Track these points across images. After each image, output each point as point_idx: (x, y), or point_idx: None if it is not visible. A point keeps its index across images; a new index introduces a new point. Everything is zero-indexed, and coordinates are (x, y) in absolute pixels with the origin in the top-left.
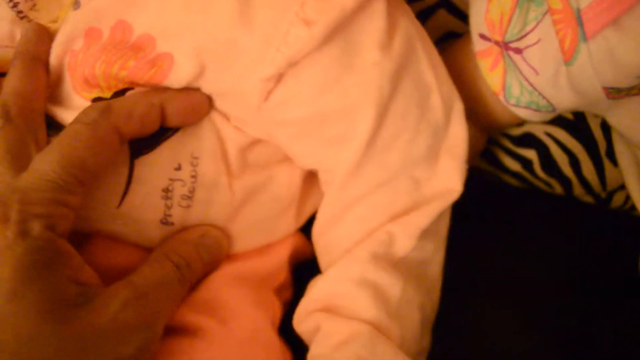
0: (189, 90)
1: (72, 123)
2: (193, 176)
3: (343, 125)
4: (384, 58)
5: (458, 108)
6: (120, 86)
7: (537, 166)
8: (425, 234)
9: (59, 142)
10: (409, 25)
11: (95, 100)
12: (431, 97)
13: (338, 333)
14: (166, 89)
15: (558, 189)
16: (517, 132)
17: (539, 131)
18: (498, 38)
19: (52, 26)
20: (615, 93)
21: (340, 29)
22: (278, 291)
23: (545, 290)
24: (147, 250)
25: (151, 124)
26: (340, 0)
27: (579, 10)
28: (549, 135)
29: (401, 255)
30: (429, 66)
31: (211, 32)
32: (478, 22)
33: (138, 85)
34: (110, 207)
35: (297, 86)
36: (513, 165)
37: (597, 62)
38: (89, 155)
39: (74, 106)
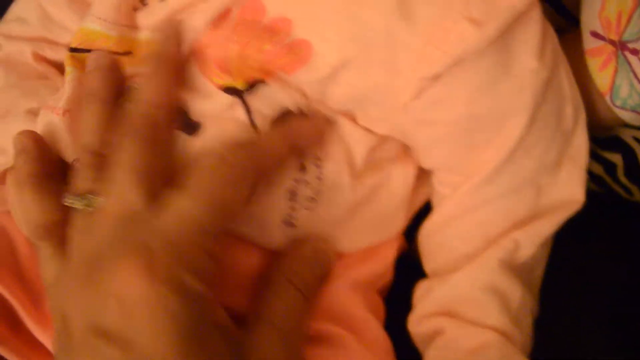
0: (314, 118)
1: (214, 157)
2: (318, 177)
3: (492, 130)
4: (540, 66)
5: (583, 118)
6: (254, 75)
7: (620, 171)
8: (546, 242)
9: (201, 180)
10: (553, 33)
11: (227, 89)
12: (566, 106)
13: (468, 339)
14: (293, 123)
15: (638, 195)
16: (601, 133)
17: (627, 135)
18: (614, 37)
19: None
20: None
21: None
22: (381, 292)
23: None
24: (265, 250)
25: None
26: (510, 3)
27: None
28: (637, 139)
29: (522, 261)
30: (566, 75)
31: (367, 21)
32: (591, 19)
33: (271, 73)
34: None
35: (454, 86)
36: (595, 168)
37: None
38: (235, 201)
39: (201, 90)
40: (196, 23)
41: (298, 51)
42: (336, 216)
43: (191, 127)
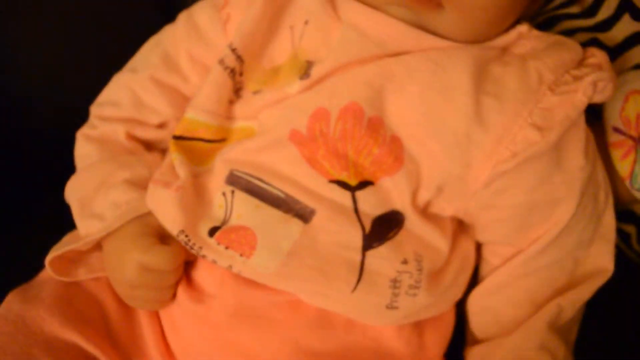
0: None
1: None
2: (419, 270)
3: (546, 213)
4: (586, 163)
5: (611, 200)
6: (365, 175)
7: (634, 239)
8: (583, 305)
9: None
10: (592, 134)
11: (340, 183)
12: (600, 192)
13: None
14: None
15: None
16: (618, 208)
17: (639, 208)
18: (633, 133)
19: (253, 97)
20: None
21: None
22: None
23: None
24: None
25: None
26: (565, 114)
27: None
28: None
29: (564, 323)
30: (600, 167)
31: (451, 125)
32: (613, 117)
33: (379, 175)
34: (345, 293)
35: (516, 179)
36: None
37: None
38: None
39: (311, 181)
40: (295, 117)
41: (395, 150)
42: (433, 298)
43: (306, 213)
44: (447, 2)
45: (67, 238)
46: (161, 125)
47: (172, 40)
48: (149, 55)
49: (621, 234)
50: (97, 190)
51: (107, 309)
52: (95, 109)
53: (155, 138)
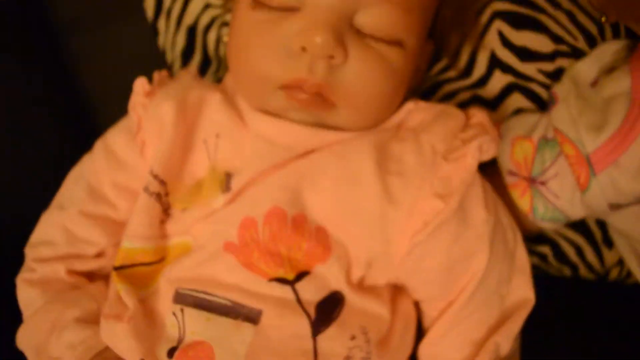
0: None
1: None
2: (367, 341)
3: (464, 266)
4: (487, 214)
5: (519, 236)
6: (300, 268)
7: (551, 258)
8: (517, 336)
9: None
10: (489, 185)
11: (279, 280)
12: (507, 233)
13: None
14: None
15: (567, 272)
16: (533, 234)
17: (549, 231)
18: (525, 174)
19: (183, 215)
20: (616, 207)
21: None
22: None
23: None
24: None
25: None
26: (461, 178)
27: (588, 155)
28: (557, 233)
29: (503, 355)
30: (503, 212)
31: (365, 208)
32: (505, 162)
33: (312, 264)
34: None
35: (433, 244)
36: (532, 259)
37: (604, 189)
38: None
39: (251, 283)
40: (225, 229)
41: (322, 240)
42: None
43: (253, 315)
44: (338, 101)
45: None
46: (99, 255)
47: (93, 172)
48: (73, 190)
49: (539, 255)
50: (50, 334)
51: None
52: (30, 251)
53: (96, 267)
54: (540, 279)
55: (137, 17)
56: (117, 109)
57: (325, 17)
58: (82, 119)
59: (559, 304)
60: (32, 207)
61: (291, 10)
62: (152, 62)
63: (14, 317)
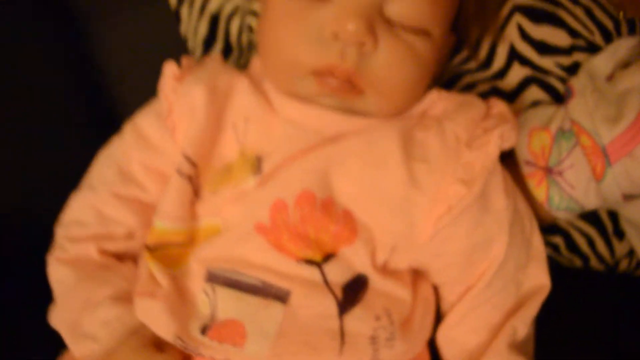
0: None
1: None
2: (391, 323)
3: (485, 251)
4: (507, 201)
5: (535, 224)
6: (327, 250)
7: (562, 248)
8: (532, 321)
9: None
10: (507, 173)
11: (307, 261)
12: (524, 221)
13: None
14: None
15: (578, 263)
16: (544, 226)
17: (562, 222)
18: (542, 164)
19: (213, 196)
20: (629, 198)
21: None
22: None
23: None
24: None
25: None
26: (484, 165)
27: (604, 146)
28: (570, 224)
29: (520, 340)
30: (520, 200)
31: (391, 192)
32: (523, 152)
33: (339, 247)
34: (333, 358)
35: (455, 228)
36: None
37: (619, 179)
38: None
39: (280, 264)
40: (256, 211)
41: (349, 223)
42: (408, 344)
43: (283, 294)
44: (367, 88)
45: None
46: (129, 236)
47: (123, 153)
48: (103, 171)
49: (551, 246)
50: (83, 311)
51: None
52: (61, 230)
53: (126, 249)
54: (553, 269)
55: (160, 4)
56: (137, 94)
57: (357, 6)
58: (102, 102)
59: (571, 294)
60: (55, 189)
61: None
62: (173, 48)
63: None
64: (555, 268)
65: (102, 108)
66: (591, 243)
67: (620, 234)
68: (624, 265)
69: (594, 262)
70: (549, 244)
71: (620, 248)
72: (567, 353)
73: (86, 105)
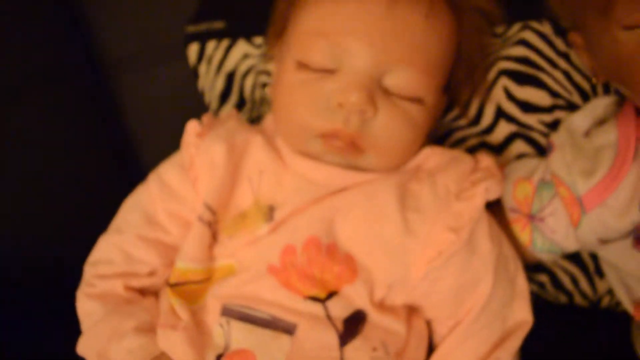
0: None
1: None
2: (387, 353)
3: (472, 290)
4: (493, 246)
5: (520, 266)
6: (331, 288)
7: (548, 286)
8: (516, 353)
9: None
10: (493, 220)
11: (312, 298)
12: (509, 262)
13: None
14: None
15: (563, 299)
16: (532, 263)
17: (547, 261)
18: (526, 212)
19: (229, 241)
20: (604, 242)
21: None
22: None
23: None
24: None
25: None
26: (471, 215)
27: (580, 197)
28: (554, 263)
29: None
30: (505, 244)
31: (388, 239)
32: (508, 200)
33: (341, 285)
34: None
35: (445, 270)
36: (531, 287)
37: (593, 226)
38: None
39: (288, 300)
40: (268, 254)
41: (350, 265)
42: None
43: (290, 327)
44: (368, 148)
45: None
46: (152, 273)
47: (148, 200)
48: (130, 216)
49: (538, 283)
50: (111, 340)
51: None
52: (90, 269)
53: (149, 285)
54: (539, 305)
55: (179, 62)
56: (158, 145)
57: (359, 79)
58: (125, 152)
59: (557, 328)
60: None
61: (330, 72)
62: (190, 102)
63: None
64: (543, 304)
65: (125, 156)
66: (575, 281)
67: (601, 273)
68: (606, 301)
69: (578, 299)
70: (535, 282)
71: (601, 285)
72: None
73: (111, 151)
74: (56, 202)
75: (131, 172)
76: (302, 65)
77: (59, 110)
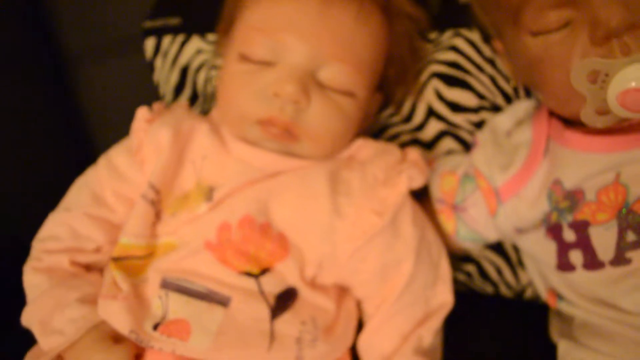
0: None
1: None
2: (315, 327)
3: (395, 270)
4: (415, 230)
5: (443, 251)
6: (263, 265)
7: (475, 276)
8: (438, 331)
9: None
10: (418, 207)
11: (246, 273)
12: (432, 247)
13: None
14: None
15: (489, 289)
16: (457, 254)
17: (474, 252)
18: (450, 202)
19: (171, 218)
20: (520, 231)
21: None
22: None
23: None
24: None
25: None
26: (394, 200)
27: (497, 188)
28: (481, 255)
29: (426, 346)
30: (429, 230)
31: (318, 219)
32: (435, 192)
33: (273, 262)
34: (263, 354)
35: (370, 250)
36: (459, 276)
37: (509, 215)
38: None
39: (223, 274)
40: (206, 231)
41: (282, 243)
42: (330, 347)
43: (225, 300)
44: (302, 135)
45: (30, 355)
46: (97, 250)
47: (97, 181)
48: (79, 195)
49: (465, 273)
50: (54, 311)
51: None
52: (38, 244)
53: (94, 261)
54: (467, 295)
55: (136, 55)
56: (112, 133)
57: (295, 72)
58: (79, 139)
59: (483, 317)
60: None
61: (268, 64)
62: (146, 94)
63: None
64: (470, 294)
65: (80, 138)
66: (499, 271)
67: (523, 264)
68: (529, 292)
69: (503, 289)
70: (463, 272)
71: (524, 276)
72: None
73: (66, 137)
74: (12, 183)
75: (85, 158)
76: (244, 57)
77: (16, 90)
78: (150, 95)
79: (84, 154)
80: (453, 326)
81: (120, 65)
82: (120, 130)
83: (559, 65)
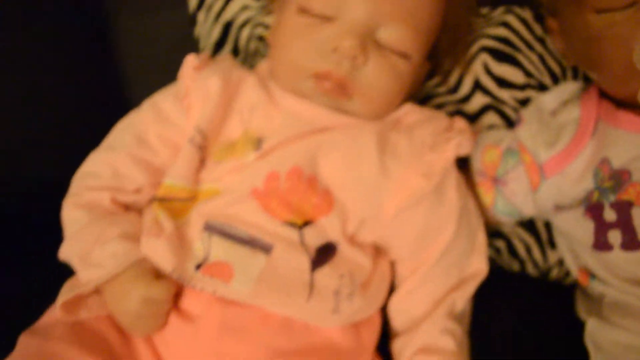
0: None
1: None
2: (352, 282)
3: (436, 234)
4: (459, 198)
5: (481, 222)
6: (307, 217)
7: (504, 252)
8: (470, 298)
9: None
10: (461, 176)
11: (289, 224)
12: (472, 217)
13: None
14: None
15: (516, 266)
16: (489, 229)
17: (505, 228)
18: (491, 175)
19: (217, 166)
20: (559, 209)
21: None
22: None
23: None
24: None
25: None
26: (442, 165)
27: (541, 164)
28: (512, 231)
29: (457, 312)
30: (470, 200)
31: (365, 178)
32: (476, 164)
33: (317, 216)
34: (302, 303)
35: (413, 212)
36: (488, 251)
37: (551, 191)
38: None
39: (267, 223)
40: (253, 179)
41: (327, 198)
42: (365, 301)
43: (267, 247)
44: (355, 93)
45: (68, 285)
46: (137, 191)
47: (141, 123)
48: (122, 135)
49: (495, 249)
50: (95, 245)
51: (110, 340)
52: (78, 181)
53: (133, 201)
54: (493, 272)
55: (178, 8)
56: (149, 85)
57: (354, 28)
58: (115, 90)
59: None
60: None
61: (328, 19)
62: (186, 48)
63: None
64: (496, 271)
65: (116, 95)
66: (528, 249)
67: (553, 244)
68: (554, 273)
69: (529, 267)
70: (492, 247)
71: (552, 256)
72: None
73: (101, 90)
74: (51, 128)
75: (122, 108)
76: (304, 10)
77: (58, 38)
78: (188, 50)
79: (120, 104)
80: (477, 301)
81: (160, 18)
82: (158, 84)
83: (621, 45)
